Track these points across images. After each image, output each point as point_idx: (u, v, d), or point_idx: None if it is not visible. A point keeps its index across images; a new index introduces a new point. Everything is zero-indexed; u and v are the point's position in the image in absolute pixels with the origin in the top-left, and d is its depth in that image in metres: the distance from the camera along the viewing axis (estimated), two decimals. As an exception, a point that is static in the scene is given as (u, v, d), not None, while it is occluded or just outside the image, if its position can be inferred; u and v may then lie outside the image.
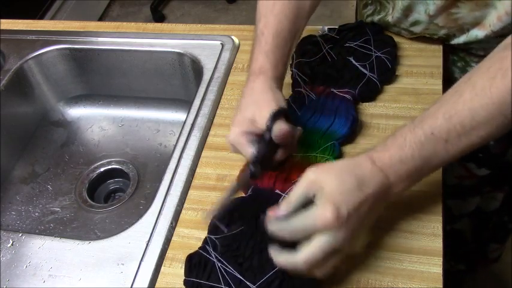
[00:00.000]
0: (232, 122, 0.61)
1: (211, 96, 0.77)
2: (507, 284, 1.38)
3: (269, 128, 0.57)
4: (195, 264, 0.57)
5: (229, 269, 0.55)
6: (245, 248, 0.57)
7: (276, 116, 0.57)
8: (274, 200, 0.61)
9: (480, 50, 0.74)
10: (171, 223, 0.63)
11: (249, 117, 0.60)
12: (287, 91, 0.75)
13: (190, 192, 0.67)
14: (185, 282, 0.57)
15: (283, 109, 0.59)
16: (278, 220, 0.50)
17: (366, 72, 0.73)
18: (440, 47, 0.77)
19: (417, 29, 0.75)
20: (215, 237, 0.58)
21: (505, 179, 0.89)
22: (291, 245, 0.50)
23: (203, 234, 0.60)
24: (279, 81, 0.63)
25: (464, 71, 0.77)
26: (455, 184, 0.87)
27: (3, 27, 0.96)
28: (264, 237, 0.57)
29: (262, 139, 0.58)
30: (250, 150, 0.58)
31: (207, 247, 0.58)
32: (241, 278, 0.54)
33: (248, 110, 0.60)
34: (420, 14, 0.72)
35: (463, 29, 0.72)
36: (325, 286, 0.55)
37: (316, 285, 0.54)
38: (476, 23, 0.70)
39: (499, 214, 0.98)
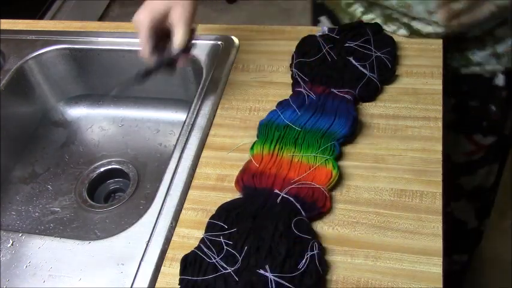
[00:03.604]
0: (147, 2, 0.68)
1: (211, 96, 0.77)
2: (507, 283, 1.38)
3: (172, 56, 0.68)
4: (190, 262, 0.57)
5: (225, 267, 0.55)
6: (241, 247, 0.57)
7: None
8: (273, 199, 0.61)
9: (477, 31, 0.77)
10: (171, 223, 0.63)
11: (163, 7, 0.67)
12: (287, 91, 0.76)
13: (190, 192, 0.67)
14: (180, 281, 0.57)
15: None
16: None
17: (366, 72, 0.73)
18: (440, 47, 0.77)
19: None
20: (211, 236, 0.58)
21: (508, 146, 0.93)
22: None
23: (203, 234, 0.60)
24: None
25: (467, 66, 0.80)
26: (464, 161, 0.90)
27: (3, 27, 0.96)
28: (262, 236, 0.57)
29: (164, 55, 0.68)
30: (147, 46, 0.68)
31: (202, 246, 0.58)
32: (235, 276, 0.54)
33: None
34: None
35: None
36: (325, 286, 0.56)
37: (317, 286, 0.54)
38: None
39: (493, 189, 1.00)
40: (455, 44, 0.79)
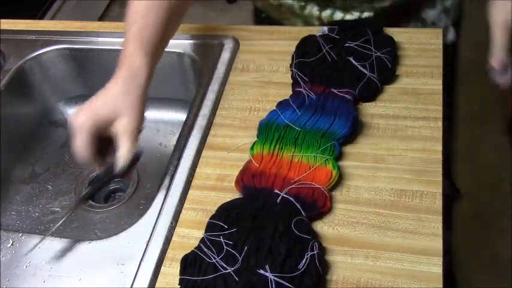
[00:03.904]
0: (90, 103, 0.61)
1: (211, 96, 0.77)
2: (507, 283, 1.38)
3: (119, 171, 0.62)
4: (190, 262, 0.57)
5: (225, 267, 0.55)
6: (241, 247, 0.57)
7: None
8: (273, 199, 0.61)
9: None
10: (171, 223, 0.63)
11: (108, 114, 0.61)
12: (287, 91, 0.75)
13: (190, 192, 0.67)
14: (180, 281, 0.57)
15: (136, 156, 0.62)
16: None
17: (366, 72, 0.73)
18: (440, 48, 0.77)
19: None
20: (211, 236, 0.58)
21: None
22: None
23: (203, 234, 0.60)
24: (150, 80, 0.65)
25: None
26: None
27: (3, 27, 0.96)
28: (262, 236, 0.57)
29: (108, 170, 0.62)
30: (86, 153, 0.60)
31: (202, 246, 0.58)
32: (235, 276, 0.54)
33: (112, 104, 0.61)
34: None
35: None
36: (325, 286, 0.56)
37: (317, 286, 0.54)
38: None
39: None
40: (411, 8, 0.82)
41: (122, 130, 0.61)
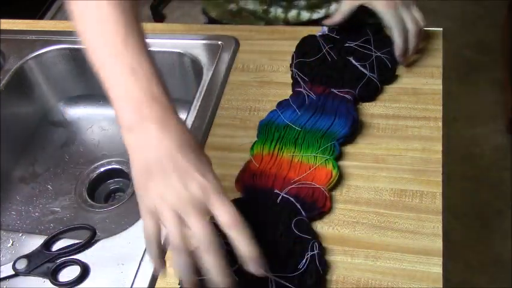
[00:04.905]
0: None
1: (211, 96, 0.77)
2: (507, 283, 1.38)
3: None
4: None
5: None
6: None
7: None
8: (273, 199, 0.61)
9: None
10: (171, 223, 0.63)
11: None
12: (287, 91, 0.76)
13: (190, 192, 0.67)
14: (180, 282, 0.57)
15: None
16: None
17: (366, 72, 0.73)
18: (440, 47, 0.77)
19: None
20: None
21: None
22: None
23: (203, 234, 0.60)
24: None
25: None
26: None
27: (3, 27, 0.96)
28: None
29: None
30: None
31: None
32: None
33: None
34: None
35: None
36: (325, 286, 0.56)
37: (317, 285, 0.54)
38: None
39: None
40: None
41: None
